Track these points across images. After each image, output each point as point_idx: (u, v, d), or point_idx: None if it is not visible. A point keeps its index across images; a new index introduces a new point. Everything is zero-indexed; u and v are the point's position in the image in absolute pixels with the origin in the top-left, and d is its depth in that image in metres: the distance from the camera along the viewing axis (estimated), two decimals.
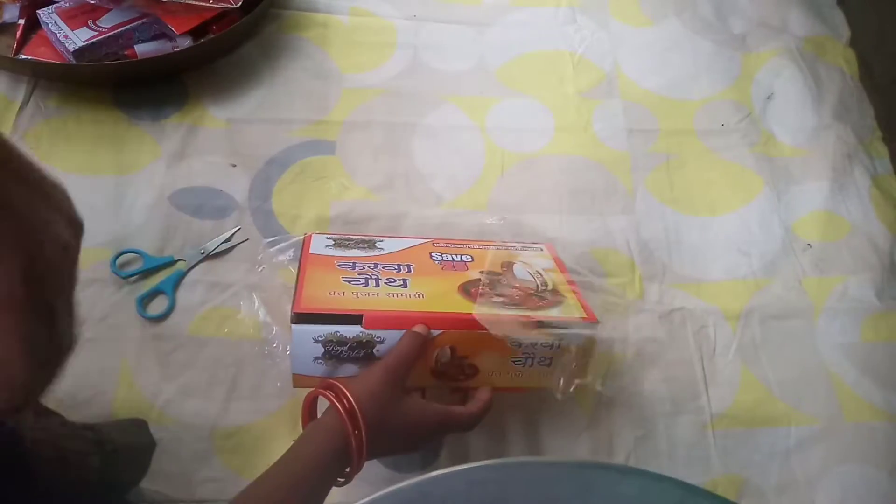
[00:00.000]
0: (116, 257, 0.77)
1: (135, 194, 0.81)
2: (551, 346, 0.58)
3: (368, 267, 0.61)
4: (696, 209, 0.88)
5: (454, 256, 0.66)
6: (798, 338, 0.80)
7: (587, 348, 0.60)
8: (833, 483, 0.73)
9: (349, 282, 0.59)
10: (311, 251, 0.63)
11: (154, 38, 0.88)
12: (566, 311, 0.60)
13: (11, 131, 0.85)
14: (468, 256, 0.66)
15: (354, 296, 0.56)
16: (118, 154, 0.84)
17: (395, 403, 0.53)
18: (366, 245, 0.65)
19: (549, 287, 0.63)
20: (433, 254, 0.65)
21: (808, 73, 0.99)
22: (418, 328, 0.55)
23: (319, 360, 0.55)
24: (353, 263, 0.62)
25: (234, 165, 0.85)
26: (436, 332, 0.56)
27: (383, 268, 0.61)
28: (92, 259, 0.77)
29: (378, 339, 0.55)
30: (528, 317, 0.57)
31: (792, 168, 0.92)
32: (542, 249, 0.72)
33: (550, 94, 0.96)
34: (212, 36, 0.88)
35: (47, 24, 0.85)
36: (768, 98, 0.98)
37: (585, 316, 0.60)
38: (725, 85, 0.99)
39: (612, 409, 0.75)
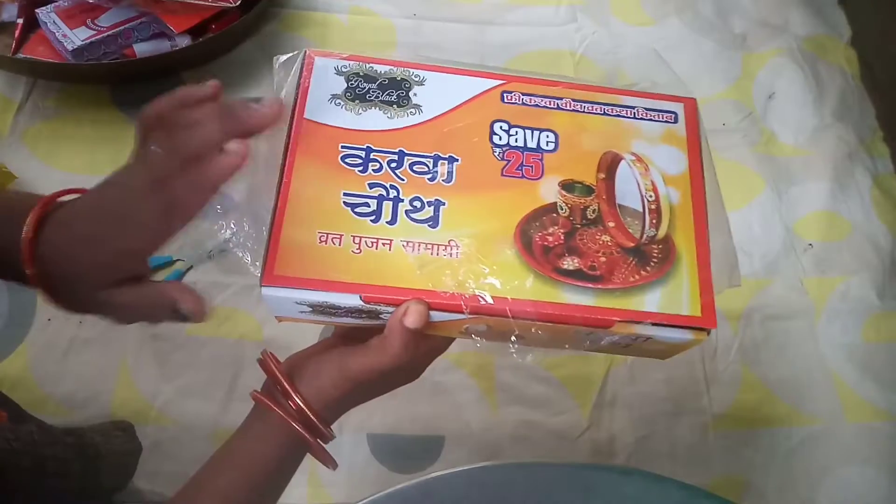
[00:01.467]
0: None
1: None
2: (634, 339, 0.41)
3: (389, 165, 0.41)
4: None
5: (528, 133, 0.42)
6: (799, 338, 0.80)
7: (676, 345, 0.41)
8: (834, 484, 0.73)
9: (352, 208, 0.40)
10: (307, 105, 0.42)
11: (153, 36, 0.88)
12: (668, 300, 0.39)
13: (10, 131, 0.84)
14: (550, 136, 0.42)
15: (356, 246, 0.38)
16: (117, 153, 0.84)
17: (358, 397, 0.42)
18: (395, 95, 0.43)
19: (661, 233, 0.40)
20: (496, 124, 0.42)
21: (809, 72, 0.99)
22: (411, 319, 0.37)
23: (306, 312, 0.40)
24: (368, 152, 0.41)
25: None
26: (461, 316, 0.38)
27: (410, 167, 0.41)
28: None
29: (384, 312, 0.38)
30: (603, 319, 0.39)
31: (793, 168, 0.92)
32: (673, 120, 0.43)
33: None
34: (211, 35, 0.87)
35: (46, 23, 0.85)
36: (769, 98, 0.98)
37: (698, 315, 0.39)
38: (726, 84, 0.98)
39: (612, 409, 0.75)
